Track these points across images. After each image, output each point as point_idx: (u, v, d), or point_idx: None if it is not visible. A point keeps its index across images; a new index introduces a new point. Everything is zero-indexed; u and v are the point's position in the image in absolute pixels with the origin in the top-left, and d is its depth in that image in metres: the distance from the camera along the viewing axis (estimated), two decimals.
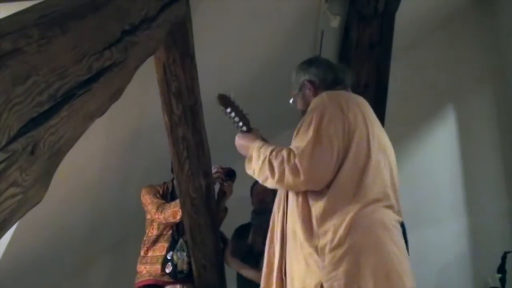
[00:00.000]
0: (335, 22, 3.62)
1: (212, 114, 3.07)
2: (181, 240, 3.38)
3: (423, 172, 4.46)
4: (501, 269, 3.93)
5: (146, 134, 3.85)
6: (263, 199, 3.48)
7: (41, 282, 4.21)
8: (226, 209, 3.50)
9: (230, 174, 3.38)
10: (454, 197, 4.48)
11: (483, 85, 4.62)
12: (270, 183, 1.98)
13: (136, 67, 2.06)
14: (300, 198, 1.92)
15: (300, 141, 1.90)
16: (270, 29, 3.50)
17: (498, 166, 4.46)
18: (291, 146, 1.94)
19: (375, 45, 3.66)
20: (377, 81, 3.78)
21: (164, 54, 2.76)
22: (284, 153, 1.91)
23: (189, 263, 3.37)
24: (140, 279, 3.40)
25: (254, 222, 3.59)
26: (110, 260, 4.63)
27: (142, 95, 3.34)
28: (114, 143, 3.81)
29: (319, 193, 1.88)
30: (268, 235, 2.12)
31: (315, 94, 2.13)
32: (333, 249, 1.80)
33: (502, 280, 3.91)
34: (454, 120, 4.65)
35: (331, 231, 1.82)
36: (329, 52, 3.91)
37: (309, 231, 1.85)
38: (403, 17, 3.60)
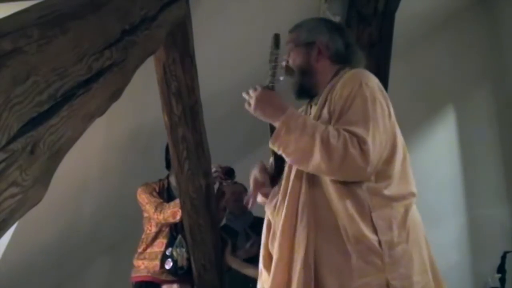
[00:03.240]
0: None
1: (212, 113, 3.08)
2: (179, 236, 3.37)
3: (423, 172, 4.46)
4: (501, 269, 3.93)
5: (146, 134, 3.85)
6: (239, 198, 3.36)
7: (41, 282, 4.21)
8: (225, 208, 3.50)
9: (229, 173, 3.37)
10: (454, 197, 4.48)
11: (483, 85, 4.62)
12: (311, 165, 1.63)
13: (136, 67, 2.06)
14: (341, 188, 1.66)
15: (360, 126, 1.63)
16: (270, 29, 3.50)
17: (498, 166, 4.46)
18: (346, 128, 1.64)
19: (375, 45, 3.65)
20: None
21: (164, 54, 2.77)
22: (346, 134, 1.61)
23: (188, 259, 3.37)
24: (138, 274, 3.39)
25: (236, 226, 3.52)
26: (110, 260, 4.64)
27: (142, 95, 3.34)
28: (114, 143, 3.81)
29: (367, 182, 1.67)
30: (267, 229, 1.85)
31: (321, 61, 1.86)
32: (399, 244, 1.64)
33: (502, 280, 3.91)
34: (454, 120, 4.65)
35: (395, 224, 1.65)
36: None
37: (365, 223, 1.63)
38: (403, 17, 3.60)
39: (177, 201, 3.32)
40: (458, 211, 4.44)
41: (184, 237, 3.37)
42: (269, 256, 1.81)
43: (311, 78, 1.87)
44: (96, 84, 1.61)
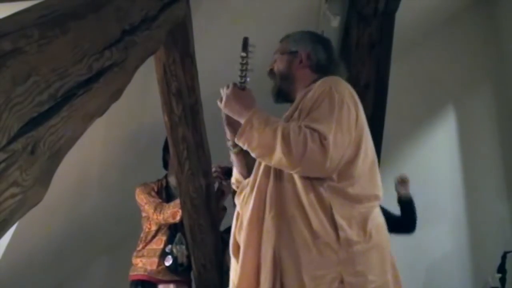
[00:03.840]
0: (335, 22, 3.62)
1: (212, 113, 3.07)
2: (179, 234, 3.37)
3: (423, 172, 4.46)
4: (501, 269, 3.92)
5: (146, 134, 3.85)
6: None
7: (41, 282, 4.21)
8: (225, 208, 3.50)
9: (229, 173, 3.37)
10: (454, 197, 4.48)
11: (483, 85, 4.62)
12: (274, 159, 1.71)
13: (136, 67, 2.06)
14: (306, 184, 1.75)
15: (323, 123, 1.71)
16: (270, 29, 3.50)
17: (498, 166, 4.46)
18: (308, 125, 1.73)
19: (375, 45, 3.66)
20: (377, 81, 3.77)
21: (164, 54, 2.77)
22: (306, 130, 1.69)
23: (188, 257, 3.37)
24: (135, 272, 3.39)
25: None
26: (109, 260, 4.63)
27: (142, 95, 3.34)
28: (114, 143, 3.81)
29: (330, 181, 1.75)
30: (236, 220, 1.94)
31: (301, 69, 1.98)
32: (357, 243, 1.72)
33: (502, 280, 3.91)
34: (454, 119, 4.65)
35: (355, 224, 1.73)
36: None
37: (326, 218, 1.71)
38: (403, 17, 3.60)
39: (177, 201, 3.32)
40: (458, 210, 4.44)
41: (184, 234, 3.37)
42: (236, 245, 1.90)
43: (290, 84, 2.00)
44: (96, 84, 1.61)
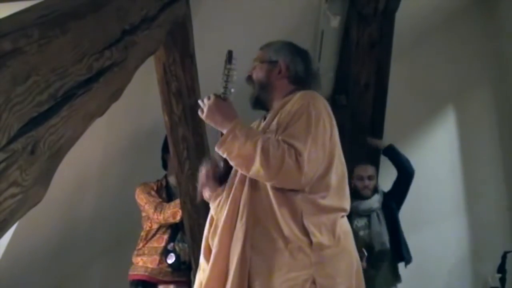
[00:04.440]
0: (335, 22, 3.62)
1: None
2: (180, 231, 3.37)
3: (423, 172, 4.46)
4: (501, 269, 3.93)
5: (146, 134, 3.85)
6: None
7: (41, 282, 4.21)
8: None
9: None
10: (454, 197, 4.48)
11: (483, 85, 4.62)
12: (252, 170, 1.79)
13: (136, 67, 2.06)
14: (278, 193, 1.83)
15: (299, 139, 1.81)
16: (270, 29, 3.50)
17: (498, 166, 4.46)
18: (286, 140, 1.81)
19: (375, 45, 3.66)
20: (377, 81, 3.78)
21: (164, 54, 2.77)
22: (284, 146, 1.79)
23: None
24: (135, 272, 3.38)
25: None
26: (109, 260, 4.63)
27: (142, 95, 3.34)
28: (114, 143, 3.81)
29: (302, 193, 1.84)
30: (209, 224, 1.99)
31: (279, 79, 2.04)
32: (328, 247, 1.81)
33: (502, 280, 3.91)
34: (454, 120, 4.65)
35: (325, 230, 1.83)
36: (329, 52, 3.91)
37: (297, 226, 1.81)
38: (403, 17, 3.60)
39: (177, 201, 3.32)
40: (458, 211, 4.44)
41: (185, 233, 3.37)
42: (209, 248, 1.96)
43: (267, 92, 2.06)
44: (96, 84, 1.62)
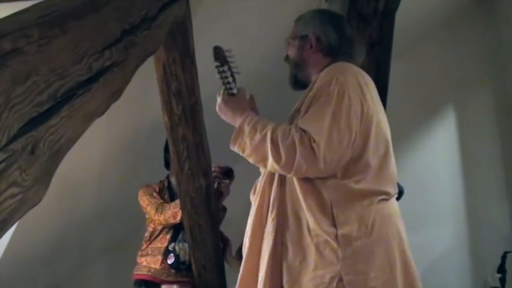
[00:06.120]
0: None
1: (212, 114, 3.07)
2: (182, 231, 3.37)
3: (423, 172, 4.46)
4: (501, 269, 3.93)
5: (146, 134, 3.85)
6: None
7: (41, 281, 4.21)
8: (225, 209, 3.50)
9: (228, 174, 3.37)
10: (454, 197, 4.48)
11: (483, 85, 4.62)
12: (269, 165, 1.70)
13: (136, 67, 2.06)
14: (306, 185, 1.72)
15: (314, 123, 1.67)
16: (270, 29, 3.50)
17: (498, 166, 4.46)
18: (301, 126, 1.69)
19: (375, 45, 3.65)
20: (377, 81, 3.76)
21: (164, 54, 2.76)
22: (295, 133, 1.66)
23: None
24: (138, 272, 3.39)
25: None
26: (110, 260, 4.63)
27: (142, 95, 3.34)
28: (114, 143, 3.81)
29: (333, 179, 1.70)
30: (252, 226, 1.89)
31: (313, 54, 1.91)
32: (358, 239, 1.66)
33: (502, 280, 3.91)
34: (454, 119, 4.65)
35: (356, 219, 1.67)
36: None
37: (325, 217, 1.67)
38: (403, 17, 3.59)
39: (177, 201, 3.32)
40: (458, 211, 4.44)
41: None
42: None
43: (303, 70, 1.95)
44: (96, 84, 1.61)
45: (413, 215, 3.89)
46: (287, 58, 2.00)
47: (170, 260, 3.32)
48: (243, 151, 1.76)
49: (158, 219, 3.34)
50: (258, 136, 1.71)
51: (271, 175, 1.83)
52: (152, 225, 3.43)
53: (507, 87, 4.51)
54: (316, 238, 1.68)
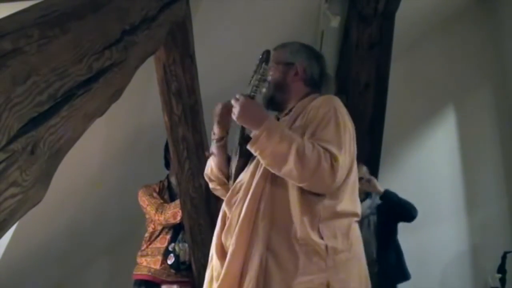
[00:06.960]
0: (335, 22, 3.62)
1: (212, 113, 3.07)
2: (182, 231, 3.37)
3: (423, 172, 4.46)
4: (501, 269, 3.92)
5: (146, 134, 3.85)
6: None
7: (41, 281, 4.21)
8: None
9: None
10: (454, 197, 4.48)
11: (483, 85, 4.62)
12: (284, 170, 1.79)
13: (136, 67, 2.06)
14: (299, 195, 1.84)
15: (332, 145, 1.81)
16: (270, 29, 3.50)
17: (498, 166, 4.46)
18: (321, 144, 1.82)
19: (375, 45, 3.66)
20: (377, 81, 3.78)
21: (164, 54, 2.77)
22: (320, 149, 1.79)
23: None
24: (138, 272, 3.39)
25: None
26: (110, 260, 4.63)
27: (142, 95, 3.34)
28: (114, 143, 3.81)
29: (324, 198, 1.85)
30: (222, 221, 1.97)
31: (295, 81, 2.06)
32: (342, 252, 1.81)
33: (502, 280, 3.91)
34: (454, 119, 4.65)
35: (340, 234, 1.83)
36: (329, 52, 3.91)
37: (314, 231, 1.80)
38: (403, 17, 3.60)
39: (177, 201, 3.32)
40: (458, 211, 4.44)
41: None
42: (221, 246, 1.95)
43: (283, 94, 2.07)
44: (96, 84, 1.61)
45: None
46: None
47: (170, 260, 3.32)
48: (262, 151, 1.82)
49: (158, 219, 3.34)
50: (283, 142, 1.79)
51: (264, 178, 1.90)
52: (152, 225, 3.43)
53: (507, 86, 4.51)
54: (306, 247, 1.79)
